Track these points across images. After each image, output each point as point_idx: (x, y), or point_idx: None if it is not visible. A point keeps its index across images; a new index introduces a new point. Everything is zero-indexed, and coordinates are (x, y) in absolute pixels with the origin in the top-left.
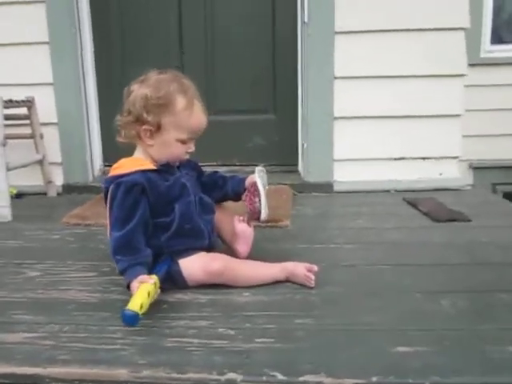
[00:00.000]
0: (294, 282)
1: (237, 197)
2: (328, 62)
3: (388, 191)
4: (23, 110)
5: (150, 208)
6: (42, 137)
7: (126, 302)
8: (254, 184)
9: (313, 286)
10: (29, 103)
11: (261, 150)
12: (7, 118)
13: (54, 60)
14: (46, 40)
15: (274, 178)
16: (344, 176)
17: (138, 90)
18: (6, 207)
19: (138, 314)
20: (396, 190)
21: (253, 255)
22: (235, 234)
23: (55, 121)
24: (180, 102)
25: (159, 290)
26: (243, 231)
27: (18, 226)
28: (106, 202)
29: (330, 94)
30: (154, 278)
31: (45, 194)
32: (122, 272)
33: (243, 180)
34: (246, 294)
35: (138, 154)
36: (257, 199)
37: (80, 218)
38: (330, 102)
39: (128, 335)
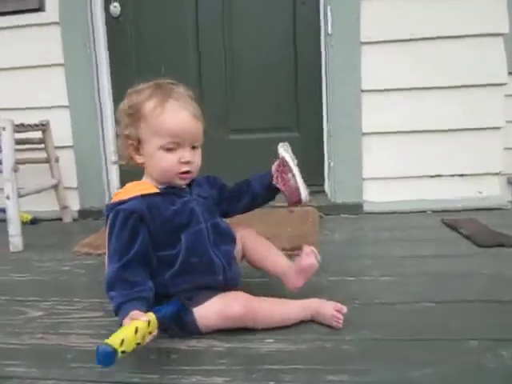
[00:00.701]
0: (319, 322)
1: (268, 191)
2: (354, 75)
3: (424, 212)
4: (38, 134)
5: (153, 238)
6: (57, 160)
7: (131, 352)
8: (281, 159)
9: (340, 327)
10: (43, 127)
11: None
12: (21, 142)
13: (69, 82)
14: (61, 62)
15: None
16: (374, 196)
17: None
18: (17, 236)
19: (115, 351)
20: (432, 211)
21: (275, 289)
22: (297, 266)
23: (71, 144)
24: (148, 105)
25: (155, 333)
26: (310, 266)
27: (28, 257)
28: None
29: (358, 109)
30: (149, 316)
31: (60, 219)
32: (116, 310)
33: (267, 171)
34: (269, 340)
35: (145, 177)
36: (289, 175)
37: (92, 246)
38: (358, 117)
39: None
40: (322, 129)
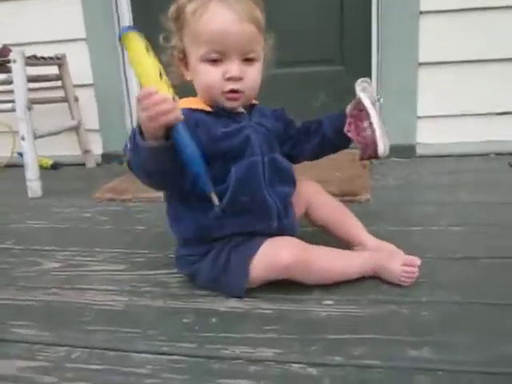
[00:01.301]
0: (383, 279)
1: (341, 137)
2: None
3: (486, 155)
4: (54, 70)
5: None
6: (76, 100)
7: (161, 311)
8: (357, 102)
9: (407, 284)
10: (59, 61)
11: (327, 108)
12: (36, 79)
13: (85, 10)
14: None
15: None
16: (430, 137)
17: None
18: (35, 181)
19: None
20: (497, 154)
21: (327, 241)
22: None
23: (90, 82)
24: (190, 6)
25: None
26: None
27: (47, 203)
28: None
29: (415, 34)
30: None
31: (83, 164)
32: (133, 134)
33: (343, 110)
34: (327, 301)
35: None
36: (366, 123)
37: (116, 192)
38: (415, 44)
39: (161, 371)
40: (371, 60)
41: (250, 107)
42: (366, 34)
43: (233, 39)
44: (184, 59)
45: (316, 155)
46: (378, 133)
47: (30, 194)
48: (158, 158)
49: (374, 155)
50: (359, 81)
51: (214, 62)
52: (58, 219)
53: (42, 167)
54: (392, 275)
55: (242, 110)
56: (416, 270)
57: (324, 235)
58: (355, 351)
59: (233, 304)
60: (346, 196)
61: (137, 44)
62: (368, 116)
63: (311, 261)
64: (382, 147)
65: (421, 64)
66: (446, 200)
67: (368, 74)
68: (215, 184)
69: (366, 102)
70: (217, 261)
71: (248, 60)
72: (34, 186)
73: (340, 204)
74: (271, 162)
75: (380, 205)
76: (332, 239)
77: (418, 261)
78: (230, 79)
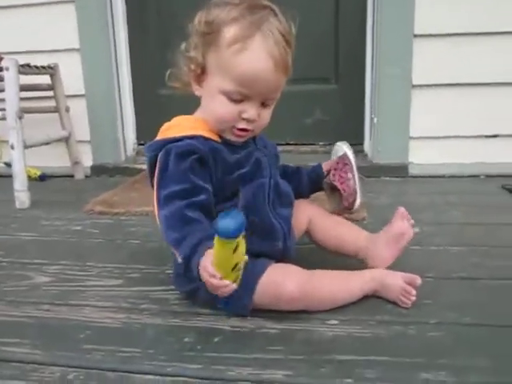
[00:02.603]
0: (383, 298)
1: (314, 185)
2: (406, 16)
3: (476, 176)
4: (46, 79)
5: (212, 188)
6: (67, 110)
7: (161, 330)
8: (344, 157)
9: (408, 305)
10: (51, 70)
11: (319, 126)
12: (28, 88)
13: (80, 21)
14: None
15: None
16: (422, 157)
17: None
18: (24, 191)
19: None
20: (487, 176)
21: (325, 260)
22: (386, 234)
23: (82, 92)
24: (228, 31)
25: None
26: (403, 232)
27: (35, 214)
28: (150, 178)
29: (409, 56)
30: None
31: (72, 176)
32: (189, 255)
33: (318, 164)
34: (333, 321)
35: (199, 113)
36: (349, 175)
37: (107, 204)
38: (408, 66)
39: None
40: (364, 80)
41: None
42: (361, 54)
43: (263, 87)
44: (200, 76)
45: None
46: (358, 185)
47: (17, 205)
48: None
49: (352, 205)
50: (341, 142)
51: (232, 98)
52: (47, 231)
53: (29, 178)
54: (392, 293)
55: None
56: (414, 292)
57: (320, 252)
58: (366, 374)
59: (236, 323)
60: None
61: (226, 247)
62: (352, 169)
63: (317, 292)
64: (359, 200)
65: (414, 86)
66: (442, 220)
67: (362, 94)
68: (222, 202)
69: (352, 158)
70: None
71: (264, 104)
72: (22, 196)
73: (346, 224)
74: (275, 185)
75: (376, 223)
76: (328, 256)
77: (418, 279)
78: (245, 120)
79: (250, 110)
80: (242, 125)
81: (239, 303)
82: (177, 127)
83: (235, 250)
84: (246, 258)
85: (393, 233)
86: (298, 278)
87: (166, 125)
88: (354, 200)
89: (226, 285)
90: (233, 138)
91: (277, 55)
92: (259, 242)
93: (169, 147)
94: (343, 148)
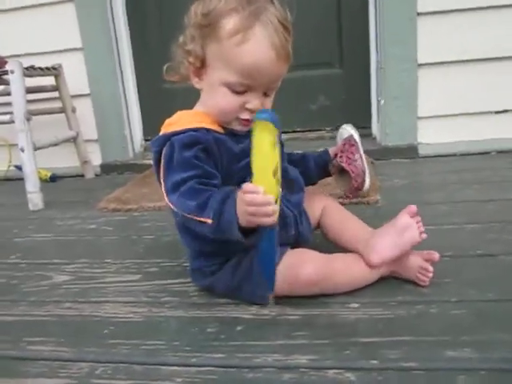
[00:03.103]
0: (400, 278)
1: (320, 171)
2: None
3: (488, 153)
4: (50, 81)
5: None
6: (74, 110)
7: (183, 321)
8: (350, 138)
9: (426, 283)
10: (55, 71)
11: (325, 112)
12: (33, 90)
13: (81, 20)
14: None
15: None
16: (431, 137)
17: (193, 6)
18: (36, 193)
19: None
20: (498, 152)
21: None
22: (393, 227)
23: (87, 92)
24: (227, 22)
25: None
26: (411, 225)
27: (49, 215)
28: (157, 174)
29: (413, 35)
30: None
31: (82, 175)
32: (219, 210)
33: (325, 150)
34: (354, 304)
35: (200, 105)
36: (357, 156)
37: (120, 201)
38: (413, 45)
39: (192, 383)
40: (369, 62)
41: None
42: (365, 36)
43: (266, 78)
44: (200, 68)
45: None
46: (366, 166)
47: (31, 207)
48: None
49: (361, 186)
50: (346, 124)
51: (235, 89)
52: (62, 231)
53: (40, 179)
54: (409, 272)
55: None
56: (431, 269)
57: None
58: (391, 354)
59: (257, 311)
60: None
61: (266, 136)
62: (358, 150)
63: (334, 275)
64: (368, 180)
65: (420, 65)
66: (456, 198)
67: (367, 77)
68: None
69: (358, 139)
70: (238, 268)
71: (267, 94)
72: (34, 198)
73: (353, 219)
74: (283, 171)
75: (390, 206)
76: None
77: (436, 255)
78: (249, 110)
79: (254, 101)
80: (246, 115)
81: (259, 292)
82: (178, 122)
83: (275, 144)
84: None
85: (395, 225)
86: (314, 262)
87: (168, 121)
88: (363, 180)
89: (271, 201)
90: (238, 128)
91: (278, 44)
92: None
93: (172, 140)
94: (348, 130)
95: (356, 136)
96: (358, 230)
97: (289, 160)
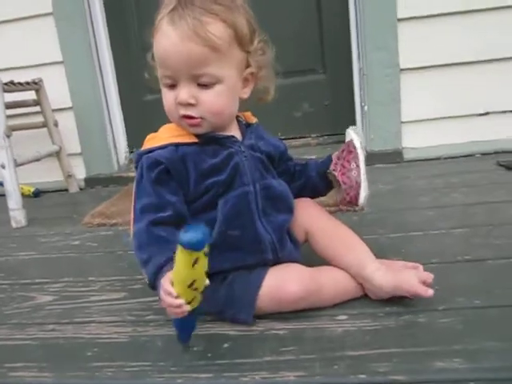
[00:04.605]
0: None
1: (323, 181)
2: (388, 1)
3: (472, 155)
4: (31, 95)
5: (185, 198)
6: (56, 124)
7: (169, 340)
8: (349, 144)
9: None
10: (36, 85)
11: (310, 118)
12: (13, 105)
13: (61, 33)
14: (49, 11)
15: (328, 151)
16: (416, 141)
17: None
18: (18, 210)
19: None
20: (482, 154)
21: None
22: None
23: (69, 105)
24: (156, 21)
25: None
26: (418, 293)
27: (32, 232)
28: None
29: (394, 41)
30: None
31: (66, 190)
32: (154, 275)
33: (329, 156)
34: (341, 316)
35: None
36: (353, 164)
37: (104, 216)
38: (395, 51)
39: None
40: (352, 68)
41: (246, 126)
42: (346, 42)
43: (176, 62)
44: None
45: (299, 194)
46: (363, 178)
47: (13, 224)
48: None
49: (355, 200)
50: (352, 127)
51: (171, 86)
52: (46, 249)
53: (23, 195)
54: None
55: (231, 133)
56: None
57: None
58: (379, 368)
59: (244, 327)
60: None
61: (181, 258)
62: (356, 158)
63: (321, 289)
64: (364, 194)
65: (402, 70)
66: (443, 203)
67: (350, 82)
68: (204, 211)
69: (358, 144)
70: (217, 295)
71: (203, 84)
72: (17, 215)
73: (343, 231)
74: (265, 189)
75: (376, 212)
76: None
77: (430, 277)
78: (179, 104)
79: (180, 93)
80: (181, 111)
81: (240, 318)
82: (156, 137)
83: (194, 263)
84: (207, 282)
85: (406, 289)
86: (298, 278)
87: (149, 135)
88: (357, 194)
89: (179, 304)
90: (191, 130)
91: (181, 26)
92: (244, 255)
93: (142, 159)
94: (350, 134)
95: (356, 142)
96: (347, 259)
97: (286, 171)
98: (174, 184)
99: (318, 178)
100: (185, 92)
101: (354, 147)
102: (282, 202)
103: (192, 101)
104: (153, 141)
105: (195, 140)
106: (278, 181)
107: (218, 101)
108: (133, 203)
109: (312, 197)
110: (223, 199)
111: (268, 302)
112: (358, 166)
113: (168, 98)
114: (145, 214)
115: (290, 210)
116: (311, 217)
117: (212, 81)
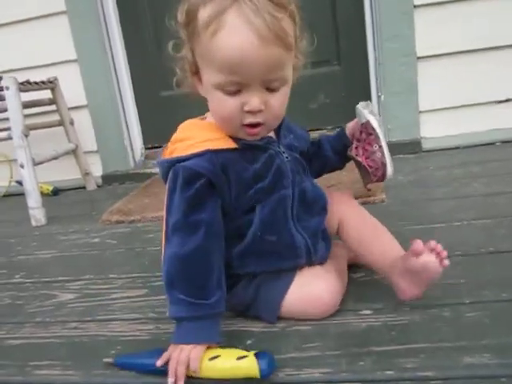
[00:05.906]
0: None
1: (341, 158)
2: None
3: (492, 144)
4: (47, 94)
5: (226, 209)
6: (72, 123)
7: None
8: (366, 125)
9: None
10: (51, 84)
11: (325, 110)
12: (30, 104)
13: (75, 31)
14: (63, 9)
15: None
16: (434, 130)
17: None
18: (38, 208)
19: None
20: (502, 142)
21: None
22: (405, 266)
23: (84, 103)
24: (202, 13)
25: None
26: (426, 264)
27: (52, 230)
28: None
29: (410, 29)
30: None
31: (84, 187)
32: (175, 319)
33: (341, 131)
34: (365, 311)
35: (210, 114)
36: (375, 146)
37: (122, 213)
38: (411, 39)
39: None
40: (368, 58)
41: (278, 125)
42: (361, 32)
43: (254, 68)
44: (197, 73)
45: (318, 175)
46: (387, 155)
47: (33, 223)
48: None
49: (382, 178)
50: (362, 103)
51: (226, 89)
52: (66, 247)
53: (42, 194)
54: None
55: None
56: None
57: None
58: (406, 363)
59: (267, 323)
60: (360, 198)
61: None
62: (377, 139)
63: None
64: (391, 169)
65: (419, 58)
66: (464, 193)
67: (366, 73)
68: (240, 217)
69: (376, 125)
70: (246, 292)
71: (270, 89)
72: (37, 213)
73: (372, 223)
74: (301, 193)
75: (397, 204)
76: None
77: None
78: (249, 112)
79: (251, 100)
80: (249, 119)
81: (264, 319)
82: (186, 139)
83: None
84: None
85: (414, 268)
86: (327, 285)
87: (174, 136)
88: (384, 172)
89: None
90: (247, 138)
91: (260, 25)
92: (279, 260)
93: (176, 168)
94: (365, 114)
95: (373, 122)
96: (378, 256)
97: (307, 157)
98: (214, 198)
99: (334, 157)
100: (257, 99)
101: (373, 128)
102: (316, 205)
103: (263, 107)
104: (182, 144)
105: (234, 145)
106: (311, 182)
107: (284, 104)
108: (164, 215)
109: (331, 172)
110: (261, 204)
111: (294, 312)
112: (379, 146)
113: (230, 105)
114: (176, 234)
115: (323, 210)
116: (343, 208)
117: (282, 84)
